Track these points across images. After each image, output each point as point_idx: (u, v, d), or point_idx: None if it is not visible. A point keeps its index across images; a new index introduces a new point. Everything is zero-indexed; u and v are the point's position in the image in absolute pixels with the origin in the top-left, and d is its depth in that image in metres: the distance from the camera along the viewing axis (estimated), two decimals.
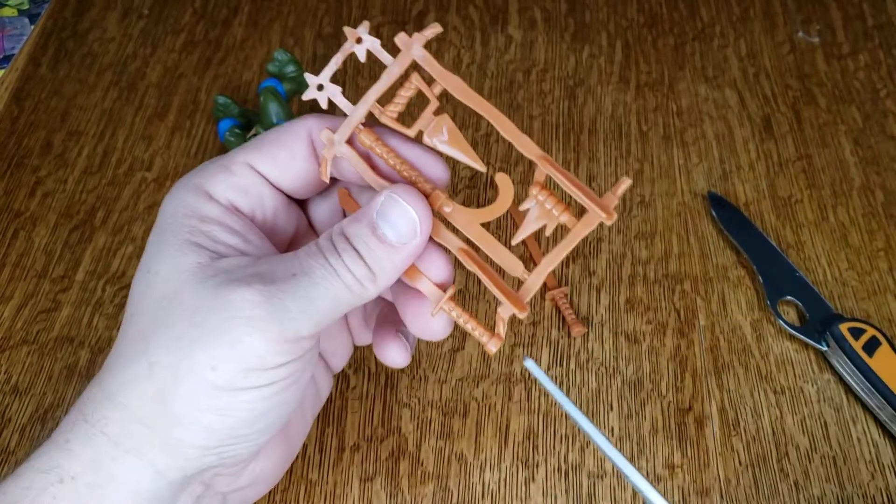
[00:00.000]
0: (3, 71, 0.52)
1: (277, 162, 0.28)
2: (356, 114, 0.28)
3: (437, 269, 0.28)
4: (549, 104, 0.50)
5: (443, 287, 0.28)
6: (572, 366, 0.39)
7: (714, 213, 0.44)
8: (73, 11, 0.55)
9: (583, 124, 0.49)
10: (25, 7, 0.57)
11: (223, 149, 0.47)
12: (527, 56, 0.52)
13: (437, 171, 0.28)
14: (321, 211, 0.31)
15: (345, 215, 0.31)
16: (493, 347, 0.27)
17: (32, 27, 0.55)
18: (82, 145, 0.48)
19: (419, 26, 0.54)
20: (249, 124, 0.45)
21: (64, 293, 0.41)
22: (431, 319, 0.28)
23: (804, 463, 0.36)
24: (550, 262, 0.26)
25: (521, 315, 0.27)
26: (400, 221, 0.26)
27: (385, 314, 0.32)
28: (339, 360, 0.34)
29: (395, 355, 0.30)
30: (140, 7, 0.55)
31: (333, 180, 0.29)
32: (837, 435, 0.37)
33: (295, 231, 0.31)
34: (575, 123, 0.49)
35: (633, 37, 0.54)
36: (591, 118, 0.49)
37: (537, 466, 0.36)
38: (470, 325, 0.27)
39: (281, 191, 0.29)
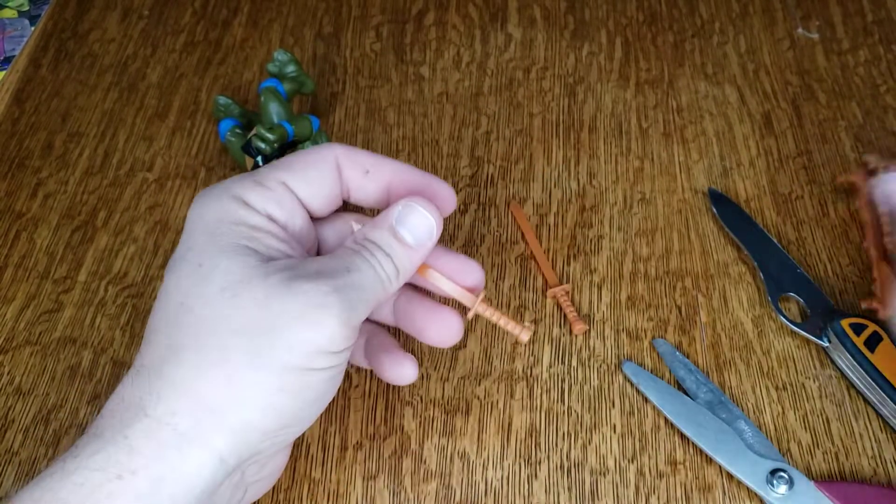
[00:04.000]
0: (3, 73, 0.52)
1: (309, 182, 0.31)
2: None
3: (472, 276, 0.32)
4: (549, 102, 0.50)
5: (475, 292, 0.32)
6: (574, 363, 0.39)
7: (715, 210, 0.44)
8: (74, 12, 0.55)
9: (583, 122, 0.49)
10: (25, 8, 0.57)
11: (224, 149, 0.47)
12: (526, 54, 0.53)
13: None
14: (329, 232, 0.34)
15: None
16: (525, 337, 0.33)
17: (33, 28, 0.55)
18: (83, 146, 0.48)
19: (419, 26, 0.54)
20: (250, 124, 0.45)
21: (66, 294, 0.41)
22: (455, 325, 0.33)
23: (806, 459, 0.36)
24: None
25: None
26: (418, 226, 0.30)
27: (379, 341, 0.34)
28: None
29: (409, 371, 0.33)
30: (140, 8, 0.55)
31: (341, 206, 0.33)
32: (839, 431, 0.37)
33: (313, 246, 0.33)
34: (575, 121, 0.49)
35: (633, 34, 0.54)
36: (591, 116, 0.49)
37: (540, 464, 0.36)
38: (503, 321, 0.33)
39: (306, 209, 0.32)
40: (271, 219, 0.30)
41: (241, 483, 0.30)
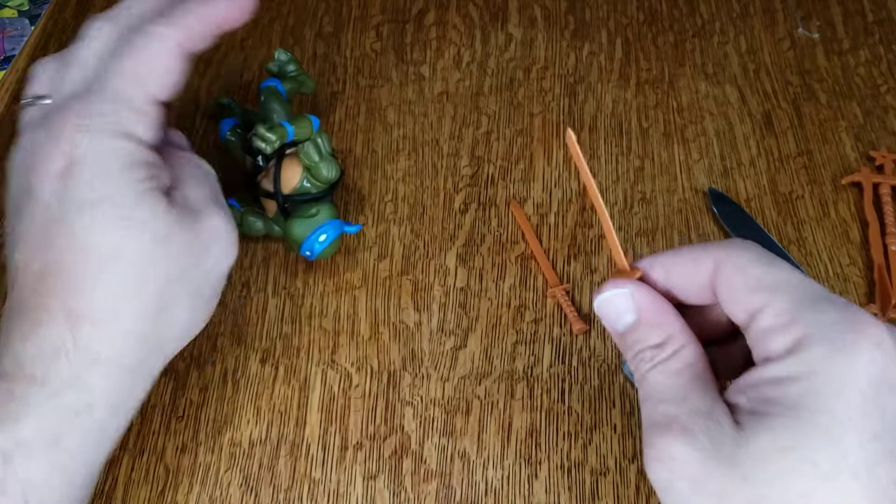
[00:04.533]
0: (3, 72, 0.52)
1: (164, 85, 0.30)
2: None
3: None
4: (549, 102, 0.50)
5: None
6: (574, 363, 0.39)
7: (715, 210, 0.44)
8: (73, 12, 0.55)
9: (583, 122, 0.49)
10: (25, 8, 0.57)
11: (224, 147, 0.47)
12: (527, 54, 0.52)
13: None
14: None
15: None
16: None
17: (32, 28, 0.55)
18: None
19: (419, 25, 0.54)
20: (250, 124, 0.45)
21: None
22: None
23: None
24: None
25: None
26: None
27: None
28: None
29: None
30: None
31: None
32: None
33: None
34: (575, 121, 0.49)
35: (633, 34, 0.54)
36: (591, 115, 0.49)
37: (540, 464, 0.36)
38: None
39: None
40: (152, 145, 0.30)
41: None
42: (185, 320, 0.31)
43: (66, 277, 0.28)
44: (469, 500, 0.35)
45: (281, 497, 0.35)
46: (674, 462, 0.24)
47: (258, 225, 0.41)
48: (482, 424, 0.37)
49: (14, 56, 0.53)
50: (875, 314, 0.40)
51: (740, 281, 0.25)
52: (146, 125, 0.30)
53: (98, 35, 0.31)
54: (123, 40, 0.30)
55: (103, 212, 0.28)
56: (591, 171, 0.26)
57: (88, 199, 0.28)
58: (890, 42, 0.53)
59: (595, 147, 0.48)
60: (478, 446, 0.37)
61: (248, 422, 0.37)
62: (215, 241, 0.31)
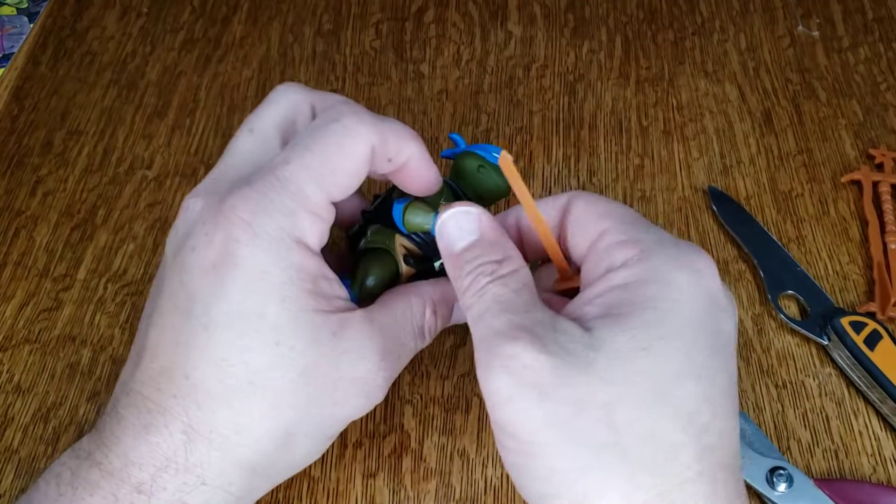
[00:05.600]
0: (2, 70, 0.52)
1: (344, 190, 0.28)
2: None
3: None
4: (548, 100, 0.50)
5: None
6: None
7: (715, 208, 0.44)
8: (73, 10, 0.55)
9: (583, 120, 0.49)
10: (24, 6, 0.57)
11: (224, 145, 0.47)
12: (526, 52, 0.52)
13: None
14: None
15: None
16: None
17: (31, 26, 0.55)
18: (82, 144, 0.48)
19: (419, 23, 0.54)
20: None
21: (65, 292, 0.41)
22: None
23: (806, 457, 0.36)
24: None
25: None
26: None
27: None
28: None
29: None
30: (139, 5, 0.55)
31: None
32: (839, 429, 0.37)
33: None
34: (575, 119, 0.49)
35: (633, 32, 0.54)
36: (591, 114, 0.49)
37: None
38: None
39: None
40: (322, 252, 0.28)
41: None
42: (302, 457, 0.29)
43: (194, 387, 0.25)
44: (469, 499, 0.35)
45: (280, 495, 0.35)
46: (525, 370, 0.23)
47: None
48: (482, 422, 0.37)
49: (13, 53, 0.53)
50: (874, 312, 0.40)
51: (591, 210, 0.28)
52: (321, 232, 0.27)
53: (283, 102, 0.29)
54: (315, 127, 0.27)
55: (255, 329, 0.25)
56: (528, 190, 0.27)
57: (238, 312, 0.25)
58: (890, 40, 0.53)
59: (595, 145, 0.48)
60: (477, 444, 0.37)
61: None
62: (359, 394, 0.28)
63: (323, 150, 0.27)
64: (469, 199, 0.33)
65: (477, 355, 0.25)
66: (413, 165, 0.30)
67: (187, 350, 0.25)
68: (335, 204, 0.28)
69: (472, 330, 0.26)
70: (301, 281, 0.26)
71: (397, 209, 0.32)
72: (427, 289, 0.31)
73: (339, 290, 0.28)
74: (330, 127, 0.27)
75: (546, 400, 0.23)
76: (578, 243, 0.28)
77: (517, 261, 0.27)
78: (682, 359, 0.24)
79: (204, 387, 0.25)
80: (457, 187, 0.34)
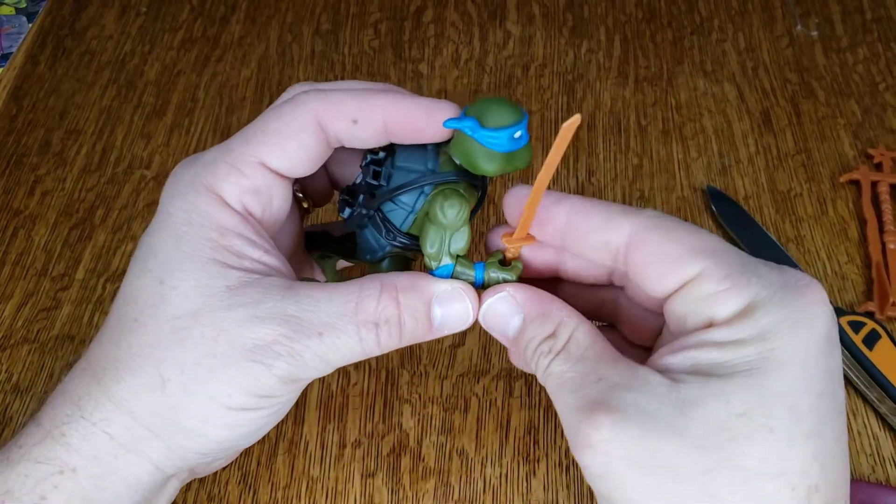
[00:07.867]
0: (1, 69, 0.52)
1: (289, 157, 0.27)
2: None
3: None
4: (547, 99, 0.50)
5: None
6: None
7: (713, 208, 0.44)
8: (71, 9, 0.55)
9: (582, 119, 0.49)
10: (23, 5, 0.57)
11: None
12: (525, 51, 0.52)
13: None
14: (344, 170, 0.32)
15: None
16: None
17: (30, 25, 0.55)
18: (81, 143, 0.47)
19: (417, 22, 0.54)
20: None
21: (64, 291, 0.41)
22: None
23: None
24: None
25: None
26: (456, 316, 0.27)
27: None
28: None
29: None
30: (138, 5, 0.55)
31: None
32: None
33: (293, 214, 0.32)
34: None
35: (632, 31, 0.54)
36: (589, 113, 0.49)
37: (538, 461, 0.36)
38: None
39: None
40: (246, 214, 0.27)
41: (189, 475, 0.30)
42: (188, 419, 0.26)
43: (100, 327, 0.28)
44: (467, 498, 0.35)
45: (279, 495, 0.35)
46: (608, 444, 0.22)
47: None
48: (480, 422, 0.37)
49: (11, 53, 0.53)
50: (872, 312, 0.40)
51: (673, 248, 0.24)
52: (243, 189, 0.26)
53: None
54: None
55: (148, 268, 0.26)
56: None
57: (141, 254, 0.27)
58: (888, 40, 0.53)
59: (593, 145, 0.48)
60: (476, 444, 0.37)
61: None
62: (246, 358, 0.26)
63: (262, 118, 0.27)
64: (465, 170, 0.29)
65: (565, 432, 0.25)
66: (392, 117, 0.27)
67: (114, 305, 0.27)
68: (309, 180, 0.30)
69: (555, 406, 0.25)
70: (202, 227, 0.26)
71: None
72: (393, 278, 0.27)
73: (258, 254, 0.26)
74: (282, 105, 0.28)
75: (639, 473, 0.22)
76: (654, 278, 0.25)
77: (570, 322, 0.25)
78: (787, 419, 0.22)
79: (106, 326, 0.27)
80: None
